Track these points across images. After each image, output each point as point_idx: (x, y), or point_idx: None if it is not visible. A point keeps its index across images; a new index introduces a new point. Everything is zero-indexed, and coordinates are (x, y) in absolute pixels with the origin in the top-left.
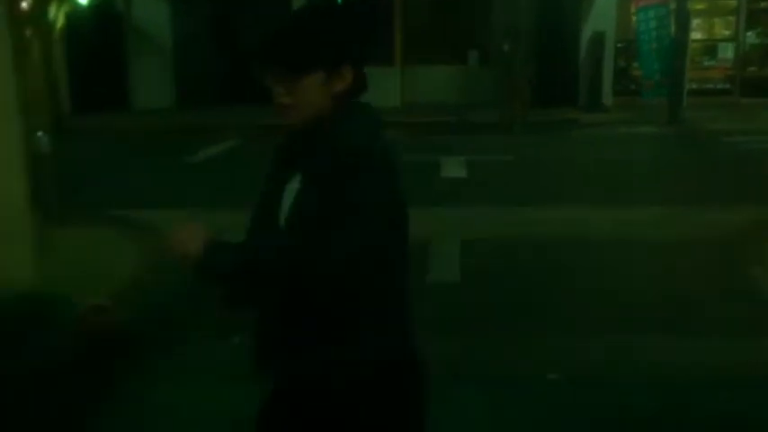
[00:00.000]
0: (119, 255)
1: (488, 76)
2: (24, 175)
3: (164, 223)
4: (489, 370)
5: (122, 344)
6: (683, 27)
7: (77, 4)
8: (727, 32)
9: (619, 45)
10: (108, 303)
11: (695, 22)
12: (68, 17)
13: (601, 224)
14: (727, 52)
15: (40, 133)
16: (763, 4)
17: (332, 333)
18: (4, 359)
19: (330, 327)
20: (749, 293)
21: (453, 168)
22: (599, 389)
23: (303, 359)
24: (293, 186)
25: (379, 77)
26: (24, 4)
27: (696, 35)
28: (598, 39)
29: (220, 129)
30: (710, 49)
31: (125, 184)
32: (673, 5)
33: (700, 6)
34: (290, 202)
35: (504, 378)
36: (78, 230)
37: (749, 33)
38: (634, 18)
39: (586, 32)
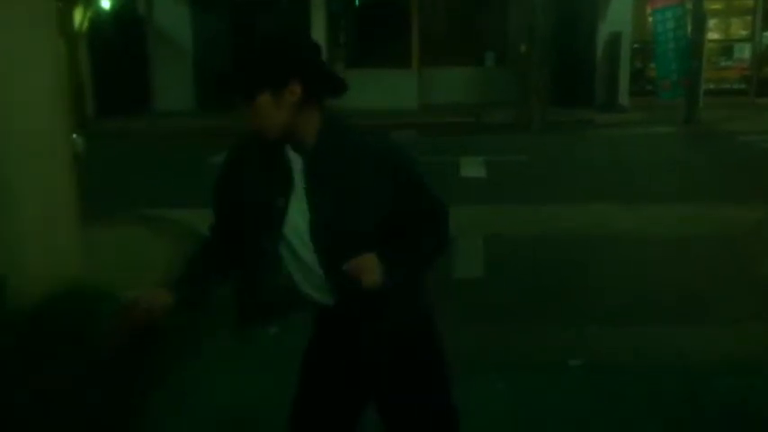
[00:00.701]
0: (153, 251)
1: (505, 76)
2: (71, 172)
3: (197, 221)
4: (512, 358)
5: (165, 334)
6: (699, 28)
7: (101, 9)
8: (743, 33)
9: (635, 46)
10: (147, 296)
11: (712, 22)
12: (91, 21)
13: (619, 221)
14: (744, 52)
15: (74, 135)
16: None
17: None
18: (58, 350)
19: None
20: (762, 285)
21: (473, 168)
22: (619, 375)
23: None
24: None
25: (396, 80)
26: None
27: (713, 35)
28: (614, 39)
29: (241, 130)
30: (727, 49)
31: (154, 184)
32: (689, 6)
33: (716, 6)
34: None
35: (527, 365)
36: (114, 229)
37: (766, 33)
38: (650, 19)
39: (603, 33)
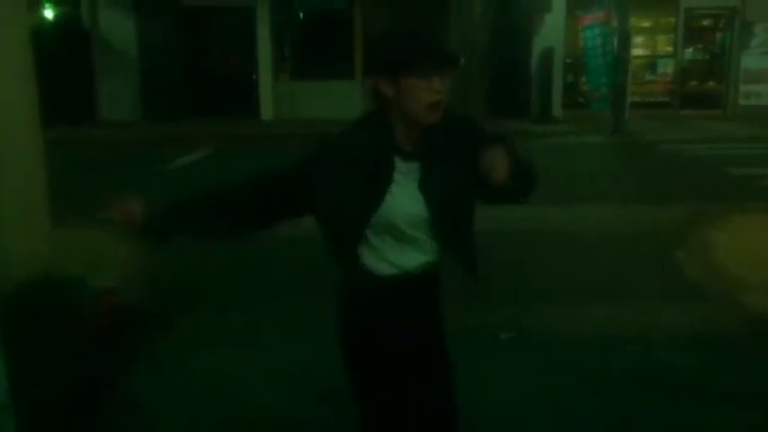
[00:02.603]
0: (115, 252)
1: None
2: (43, 165)
3: None
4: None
5: (134, 320)
6: (624, 44)
7: (44, 19)
8: (667, 49)
9: (567, 60)
10: (118, 285)
11: (638, 39)
12: (35, 31)
13: (549, 220)
14: (667, 67)
15: None
16: (698, 23)
17: None
18: (33, 336)
19: None
20: (675, 272)
21: None
22: (544, 346)
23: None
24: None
25: (340, 90)
26: None
27: (639, 51)
28: (548, 54)
29: (191, 139)
30: (652, 64)
31: (108, 190)
32: (615, 23)
33: (643, 24)
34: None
35: (464, 339)
36: (72, 230)
37: (687, 50)
38: (581, 35)
39: (537, 48)
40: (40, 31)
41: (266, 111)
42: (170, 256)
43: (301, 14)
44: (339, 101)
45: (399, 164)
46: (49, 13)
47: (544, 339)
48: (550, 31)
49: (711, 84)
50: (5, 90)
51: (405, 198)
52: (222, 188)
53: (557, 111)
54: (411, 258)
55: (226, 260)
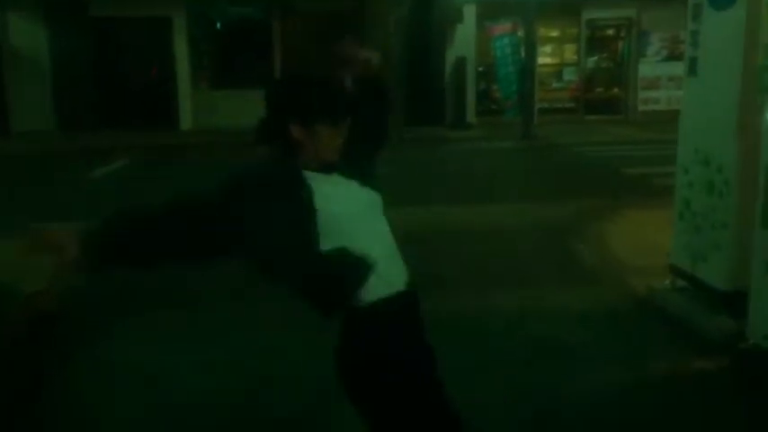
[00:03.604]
0: (43, 260)
1: None
2: None
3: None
4: None
5: (62, 321)
6: (531, 53)
7: None
8: (571, 58)
9: (479, 69)
10: (47, 289)
11: (545, 48)
12: None
13: (460, 218)
14: (572, 75)
15: None
16: (599, 33)
17: None
18: None
19: None
20: (571, 260)
21: None
22: (454, 328)
23: None
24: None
25: (259, 99)
26: None
27: (546, 60)
28: (461, 63)
29: (108, 150)
30: (558, 72)
31: (31, 201)
32: (521, 34)
33: (549, 34)
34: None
35: None
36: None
37: (590, 59)
38: (491, 45)
39: (450, 57)
40: None
41: (185, 120)
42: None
43: (219, 24)
44: (258, 109)
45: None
46: None
47: (452, 319)
48: (462, 42)
49: (613, 90)
50: None
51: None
52: (150, 215)
53: (470, 117)
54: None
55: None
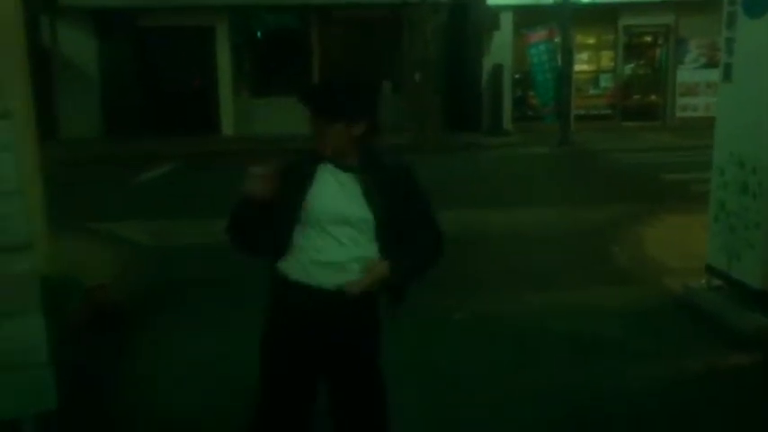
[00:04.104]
0: (100, 256)
1: (400, 103)
2: (39, 184)
3: (128, 233)
4: (416, 314)
5: (121, 313)
6: (567, 60)
7: None
8: (608, 64)
9: (516, 76)
10: (107, 283)
11: (582, 55)
12: None
13: (497, 222)
14: (609, 82)
15: None
16: (636, 40)
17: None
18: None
19: None
20: (607, 262)
21: None
22: (491, 323)
23: None
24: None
25: (297, 106)
26: None
27: (583, 67)
28: (497, 70)
29: (153, 156)
30: (595, 79)
31: (83, 204)
32: (558, 40)
33: (586, 41)
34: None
35: (425, 319)
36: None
37: (627, 65)
38: (528, 52)
39: (487, 64)
40: None
41: (227, 127)
42: (153, 260)
43: (259, 33)
44: (297, 116)
45: (338, 173)
46: None
47: (492, 319)
48: (499, 49)
49: (651, 97)
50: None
51: (341, 196)
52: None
53: (507, 124)
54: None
55: (199, 263)
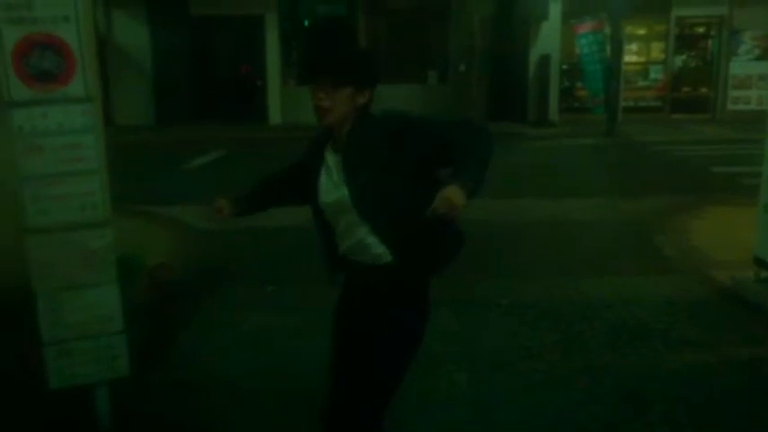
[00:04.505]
0: (154, 237)
1: (446, 93)
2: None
3: (179, 214)
4: (460, 298)
5: (181, 290)
6: (617, 52)
7: None
8: (659, 56)
9: (563, 67)
10: (168, 262)
11: (631, 46)
12: None
13: (543, 210)
14: (659, 73)
15: None
16: (688, 31)
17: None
18: None
19: None
20: (654, 252)
21: None
22: (534, 308)
23: None
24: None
25: None
26: None
27: (632, 58)
28: (545, 61)
29: (204, 142)
30: (644, 70)
31: (138, 188)
32: (608, 31)
33: (636, 32)
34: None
35: (470, 303)
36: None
37: (678, 57)
38: (576, 42)
39: (534, 55)
40: None
41: (274, 115)
42: (208, 242)
43: (306, 22)
44: None
45: (329, 156)
46: None
47: (537, 305)
48: (547, 39)
49: (701, 89)
50: None
51: (329, 186)
52: (270, 178)
53: (553, 115)
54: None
55: (251, 245)
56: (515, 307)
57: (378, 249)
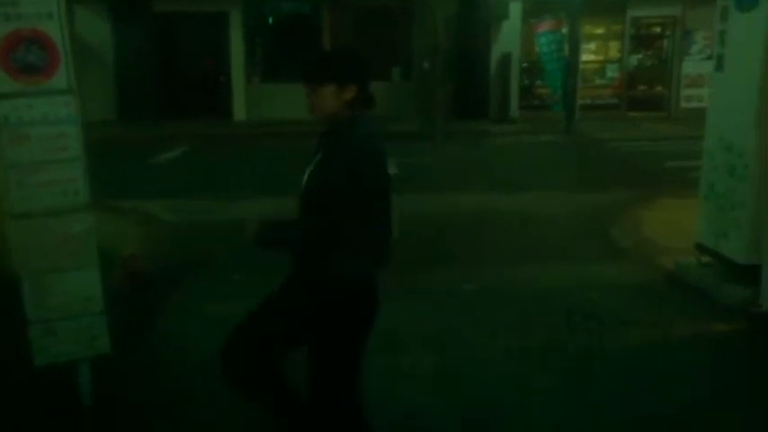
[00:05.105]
0: (125, 230)
1: (410, 90)
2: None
3: (151, 208)
4: (425, 286)
5: (150, 280)
6: (574, 50)
7: None
8: (614, 55)
9: (524, 65)
10: (138, 253)
11: (589, 45)
12: None
13: (503, 204)
14: (615, 72)
15: None
16: (643, 31)
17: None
18: None
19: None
20: (606, 241)
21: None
22: (498, 294)
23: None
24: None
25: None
26: None
27: (590, 57)
28: (506, 59)
29: (168, 138)
30: (601, 69)
31: (105, 182)
32: (566, 30)
33: (595, 31)
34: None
35: (434, 290)
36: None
37: (634, 56)
38: (536, 41)
39: (496, 53)
40: None
41: (239, 112)
42: (171, 235)
43: (271, 20)
44: (306, 102)
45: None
46: None
47: (498, 289)
48: (508, 38)
49: (656, 88)
50: None
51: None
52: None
53: (514, 112)
54: None
55: (217, 238)
56: (478, 291)
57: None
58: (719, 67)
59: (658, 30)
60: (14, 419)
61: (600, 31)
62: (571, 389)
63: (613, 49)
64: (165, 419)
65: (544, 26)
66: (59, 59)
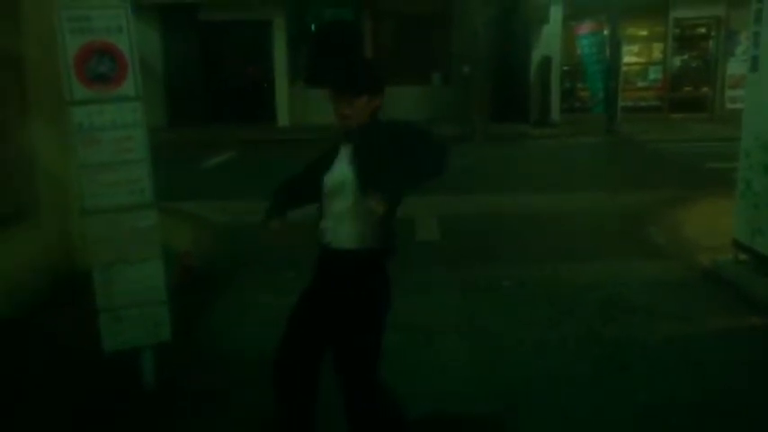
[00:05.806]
0: (179, 230)
1: (450, 95)
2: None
3: (201, 210)
4: (466, 281)
5: (204, 276)
6: (616, 52)
7: None
8: (657, 56)
9: (564, 68)
10: (192, 250)
11: (631, 47)
12: None
13: (541, 204)
14: (658, 74)
15: None
16: (686, 32)
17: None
18: None
19: None
20: (645, 239)
21: None
22: (535, 288)
23: None
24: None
25: None
26: None
27: (632, 59)
28: (546, 62)
29: (215, 143)
30: (644, 70)
31: (157, 185)
32: (607, 32)
33: (635, 33)
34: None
35: (475, 285)
36: None
37: (676, 57)
38: (577, 44)
39: (536, 57)
40: None
41: (282, 117)
42: (222, 234)
43: (313, 26)
44: None
45: (343, 148)
46: None
47: (537, 285)
48: (548, 41)
49: (699, 89)
50: None
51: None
52: (288, 183)
53: (555, 114)
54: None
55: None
56: (516, 287)
57: (352, 228)
58: (754, 67)
59: (702, 30)
60: (82, 402)
61: (643, 32)
62: (604, 377)
63: (656, 50)
64: (222, 406)
65: (585, 28)
66: (128, 69)
